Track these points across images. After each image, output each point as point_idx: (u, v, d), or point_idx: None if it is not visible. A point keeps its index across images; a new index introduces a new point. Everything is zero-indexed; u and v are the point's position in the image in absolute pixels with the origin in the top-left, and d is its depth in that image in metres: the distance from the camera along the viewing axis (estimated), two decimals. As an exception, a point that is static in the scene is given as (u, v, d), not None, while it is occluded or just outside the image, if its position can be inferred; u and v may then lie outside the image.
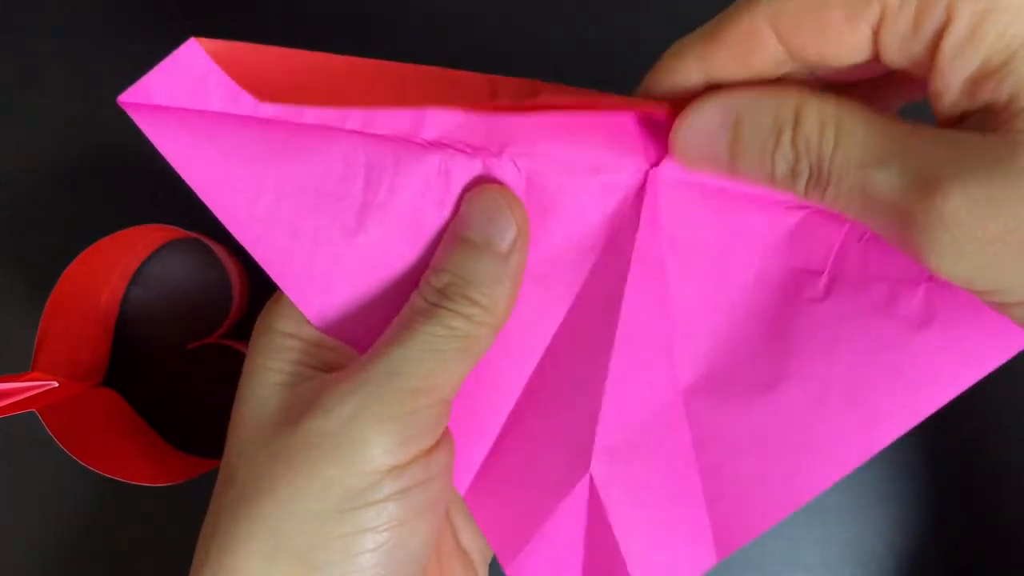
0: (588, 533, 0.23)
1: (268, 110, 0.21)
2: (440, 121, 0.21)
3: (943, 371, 0.22)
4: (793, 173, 0.19)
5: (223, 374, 0.33)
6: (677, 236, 0.23)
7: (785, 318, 0.22)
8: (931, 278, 0.22)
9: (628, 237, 0.22)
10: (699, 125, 0.20)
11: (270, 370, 0.22)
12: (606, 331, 0.23)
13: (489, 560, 0.27)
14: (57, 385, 0.29)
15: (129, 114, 0.21)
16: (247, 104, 0.21)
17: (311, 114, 0.21)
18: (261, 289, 0.33)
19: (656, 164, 0.22)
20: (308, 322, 0.23)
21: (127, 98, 0.21)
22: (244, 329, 0.33)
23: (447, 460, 0.22)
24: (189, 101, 0.21)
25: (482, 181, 0.22)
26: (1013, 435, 0.33)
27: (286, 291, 0.22)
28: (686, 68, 0.20)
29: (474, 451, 0.24)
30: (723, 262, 0.23)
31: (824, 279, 0.22)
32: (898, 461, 0.33)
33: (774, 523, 0.23)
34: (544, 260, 0.23)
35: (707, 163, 0.21)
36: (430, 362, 0.21)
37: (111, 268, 0.32)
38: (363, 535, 0.20)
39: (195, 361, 0.33)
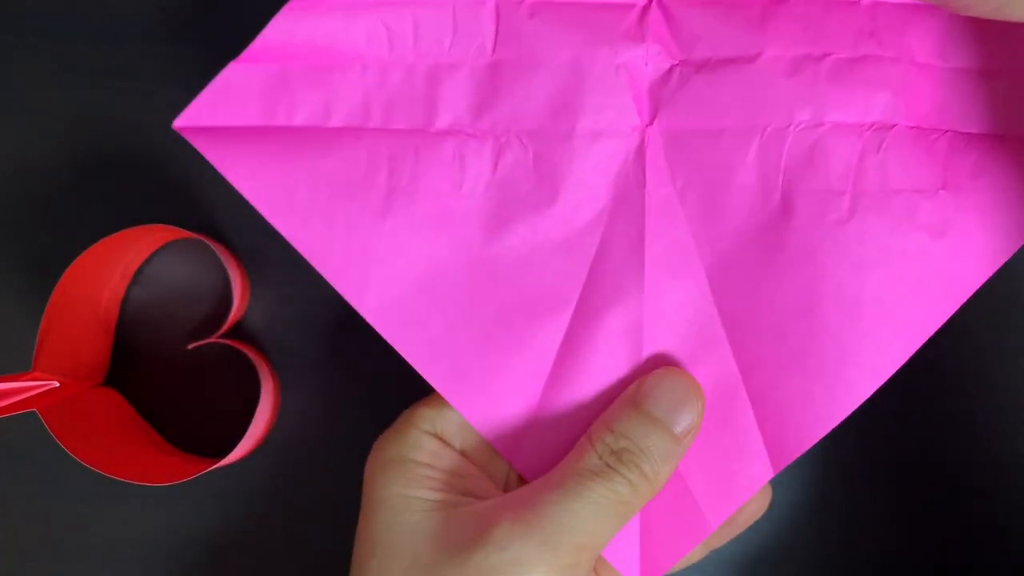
0: None
1: (300, 119, 0.24)
2: (450, 109, 0.24)
3: (960, 274, 0.24)
4: None
5: (224, 374, 0.33)
6: (690, 182, 0.24)
7: (813, 242, 0.24)
8: (946, 185, 0.24)
9: (637, 194, 0.24)
10: None
11: (415, 498, 0.23)
12: (634, 283, 0.24)
13: None
14: (58, 385, 0.29)
15: (183, 135, 0.23)
16: (281, 116, 0.24)
17: (337, 118, 0.24)
18: (262, 290, 0.33)
19: (651, 122, 0.24)
20: (444, 452, 0.24)
21: (180, 122, 0.23)
22: (244, 329, 0.33)
23: None
24: (231, 119, 0.24)
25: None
26: (1013, 435, 0.34)
27: (326, 276, 0.24)
28: None
29: (519, 419, 0.25)
30: (743, 197, 0.24)
31: (847, 199, 0.24)
32: (896, 461, 0.34)
33: (822, 435, 0.24)
34: (561, 228, 0.25)
35: None
36: (597, 522, 0.22)
37: (112, 268, 0.32)
38: None
39: (196, 361, 0.33)
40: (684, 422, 0.23)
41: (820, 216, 0.24)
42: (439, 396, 0.25)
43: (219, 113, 0.24)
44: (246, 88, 0.24)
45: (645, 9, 0.24)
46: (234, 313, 0.32)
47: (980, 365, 0.33)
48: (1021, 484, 0.33)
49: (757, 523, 0.33)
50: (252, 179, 0.24)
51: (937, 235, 0.24)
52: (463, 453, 0.25)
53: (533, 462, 0.25)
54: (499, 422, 0.25)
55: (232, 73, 0.23)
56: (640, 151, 0.24)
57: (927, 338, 0.24)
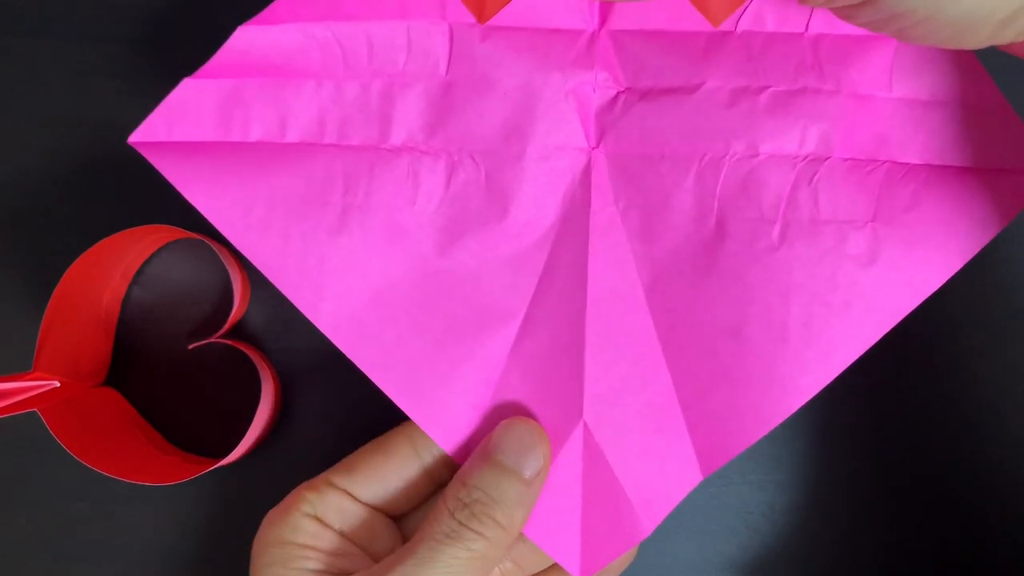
0: (585, 473, 0.25)
1: (256, 134, 0.24)
2: (404, 126, 0.25)
3: (888, 302, 0.25)
4: None
5: (224, 374, 0.33)
6: (631, 204, 0.25)
7: (743, 267, 0.25)
8: (876, 217, 0.25)
9: (583, 213, 0.25)
10: None
11: None
12: (577, 298, 0.25)
13: None
14: (58, 385, 0.29)
15: (139, 151, 0.24)
16: (237, 131, 0.24)
17: (292, 134, 0.25)
18: (262, 290, 0.33)
19: (597, 145, 0.25)
20: (324, 534, 0.25)
21: (135, 138, 0.24)
22: (244, 329, 0.33)
23: None
24: (187, 134, 0.24)
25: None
26: (1015, 435, 0.34)
27: (283, 289, 0.25)
28: None
29: (466, 424, 0.26)
30: (680, 220, 0.25)
31: (777, 227, 0.25)
32: (896, 462, 0.34)
33: (748, 445, 0.25)
34: (511, 244, 0.26)
35: None
36: None
37: (112, 268, 0.32)
38: None
39: (196, 361, 0.33)
40: (532, 466, 0.24)
41: (751, 243, 0.25)
42: (321, 480, 0.26)
43: (175, 128, 0.24)
44: (202, 103, 0.24)
45: (594, 36, 0.25)
46: (234, 313, 0.32)
47: (977, 369, 0.34)
48: (1022, 485, 0.33)
49: (757, 525, 0.33)
50: (209, 195, 0.24)
51: (864, 265, 0.25)
52: (342, 534, 0.26)
53: None
54: (450, 428, 0.26)
55: (188, 88, 0.24)
56: (586, 173, 0.25)
57: (852, 361, 0.24)
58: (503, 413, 0.26)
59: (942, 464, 0.33)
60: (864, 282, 0.25)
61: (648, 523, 0.25)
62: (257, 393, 0.32)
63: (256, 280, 0.33)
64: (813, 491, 0.33)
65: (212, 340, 0.32)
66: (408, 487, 0.27)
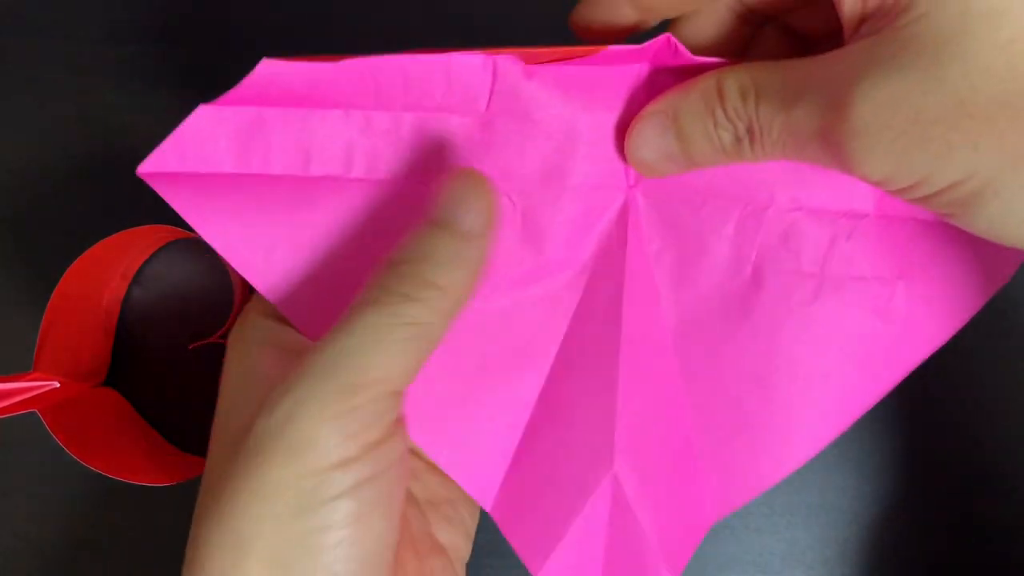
0: (611, 524, 0.24)
1: (277, 167, 0.22)
2: (437, 161, 0.23)
3: (902, 356, 0.25)
4: (737, 140, 0.21)
5: (224, 374, 0.33)
6: (665, 246, 0.25)
7: (777, 318, 0.25)
8: (902, 275, 0.24)
9: (619, 255, 0.24)
10: (646, 139, 0.22)
11: (254, 355, 0.23)
12: (611, 341, 0.24)
13: (466, 560, 0.27)
14: (58, 385, 0.29)
15: (148, 183, 0.21)
16: (257, 163, 0.22)
17: (316, 167, 0.22)
18: (262, 289, 0.33)
19: (636, 184, 0.24)
20: (277, 327, 0.23)
21: (145, 168, 0.21)
22: (245, 329, 0.33)
23: (399, 452, 0.21)
24: (202, 166, 0.22)
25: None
26: (1015, 439, 0.34)
27: (310, 336, 0.23)
28: (615, 2, 0.22)
29: (495, 468, 0.25)
30: (715, 266, 0.25)
31: (814, 281, 0.24)
32: (898, 461, 0.34)
33: (762, 491, 0.25)
34: (545, 283, 0.25)
35: (668, 167, 0.23)
36: (371, 355, 0.19)
37: (112, 268, 0.32)
38: (323, 532, 0.19)
39: (196, 361, 0.33)
40: (469, 219, 0.20)
41: (787, 295, 0.24)
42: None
43: (188, 159, 0.22)
44: (218, 132, 0.22)
45: (642, 75, 0.23)
46: (234, 313, 0.32)
47: (980, 368, 0.34)
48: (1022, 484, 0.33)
49: (757, 525, 0.33)
50: (226, 235, 0.22)
51: (888, 321, 0.25)
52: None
53: (511, 510, 0.25)
54: (477, 471, 0.25)
55: (203, 115, 0.21)
56: (623, 212, 0.24)
57: (867, 409, 0.25)
58: (531, 459, 0.25)
59: (944, 463, 0.33)
60: (885, 337, 0.25)
61: (672, 569, 0.24)
62: (257, 393, 0.32)
63: (256, 280, 0.33)
64: (813, 491, 0.33)
65: (212, 340, 0.32)
66: None
